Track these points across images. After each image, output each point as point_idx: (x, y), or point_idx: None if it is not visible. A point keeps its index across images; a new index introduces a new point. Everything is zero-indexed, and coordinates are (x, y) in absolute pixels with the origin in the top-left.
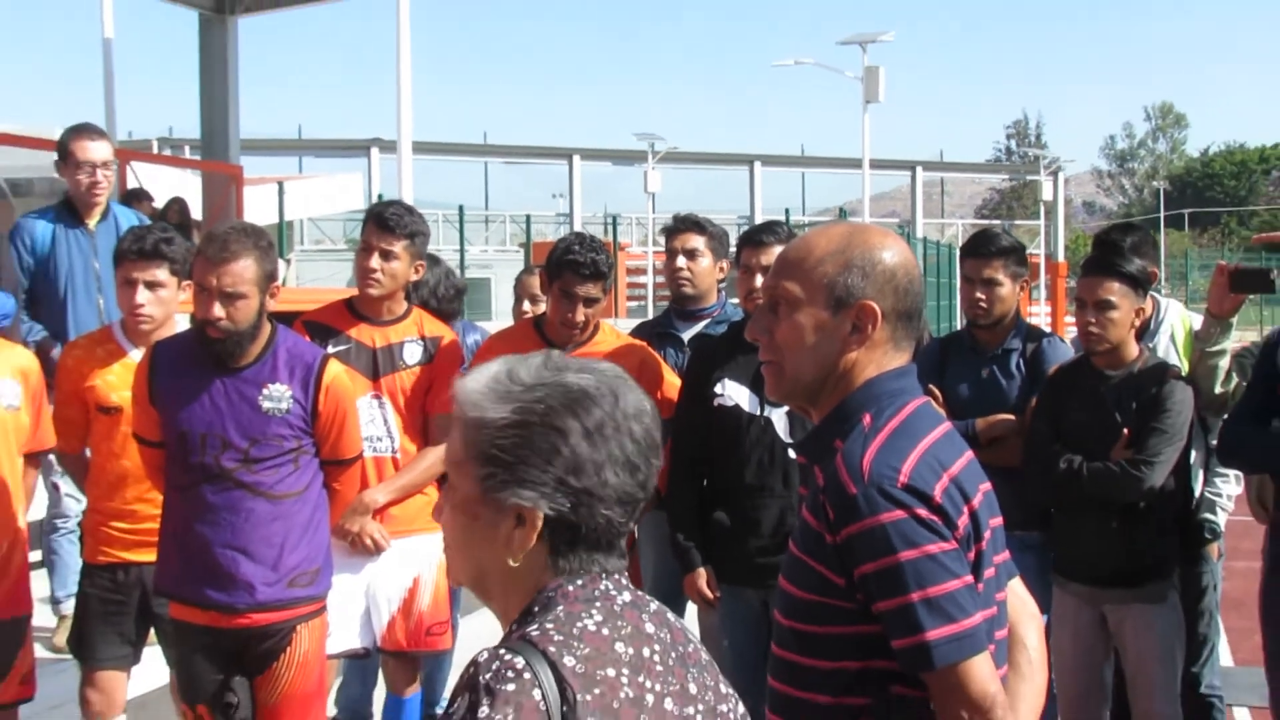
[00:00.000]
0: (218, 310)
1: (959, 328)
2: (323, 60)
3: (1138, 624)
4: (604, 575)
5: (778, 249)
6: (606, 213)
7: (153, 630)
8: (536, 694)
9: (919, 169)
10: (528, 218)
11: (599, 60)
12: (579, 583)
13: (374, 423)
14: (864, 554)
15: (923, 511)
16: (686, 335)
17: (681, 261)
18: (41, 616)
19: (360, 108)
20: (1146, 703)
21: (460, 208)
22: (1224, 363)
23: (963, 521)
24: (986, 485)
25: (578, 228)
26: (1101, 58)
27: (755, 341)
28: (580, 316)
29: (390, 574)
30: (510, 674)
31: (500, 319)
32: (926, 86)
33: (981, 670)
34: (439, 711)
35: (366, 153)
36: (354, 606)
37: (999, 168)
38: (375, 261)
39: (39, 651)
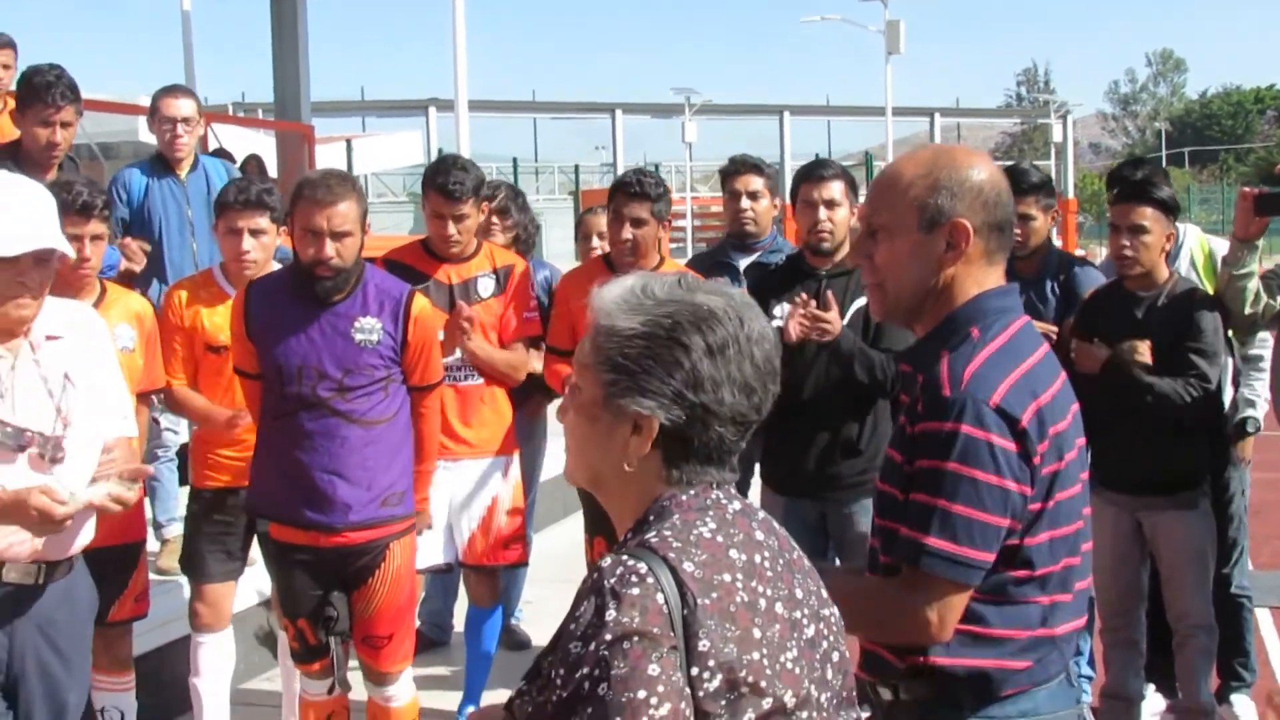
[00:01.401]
0: (329, 249)
1: None
2: (383, 25)
3: (1172, 529)
4: (715, 485)
5: (835, 183)
6: (647, 162)
7: (255, 549)
8: (660, 597)
9: (937, 115)
10: (575, 168)
11: (638, 20)
12: (691, 492)
13: (454, 354)
14: (929, 449)
15: (999, 440)
16: (742, 265)
17: (745, 203)
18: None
19: (417, 69)
20: (1181, 602)
21: (514, 160)
22: (1252, 284)
23: (1042, 447)
24: (1075, 405)
25: None
26: (1104, 6)
27: (858, 266)
28: (627, 234)
29: (470, 494)
30: (634, 578)
31: (553, 259)
32: (942, 38)
33: (952, 604)
34: (514, 621)
35: (425, 111)
36: (437, 524)
37: (1011, 112)
38: (451, 228)
39: None
